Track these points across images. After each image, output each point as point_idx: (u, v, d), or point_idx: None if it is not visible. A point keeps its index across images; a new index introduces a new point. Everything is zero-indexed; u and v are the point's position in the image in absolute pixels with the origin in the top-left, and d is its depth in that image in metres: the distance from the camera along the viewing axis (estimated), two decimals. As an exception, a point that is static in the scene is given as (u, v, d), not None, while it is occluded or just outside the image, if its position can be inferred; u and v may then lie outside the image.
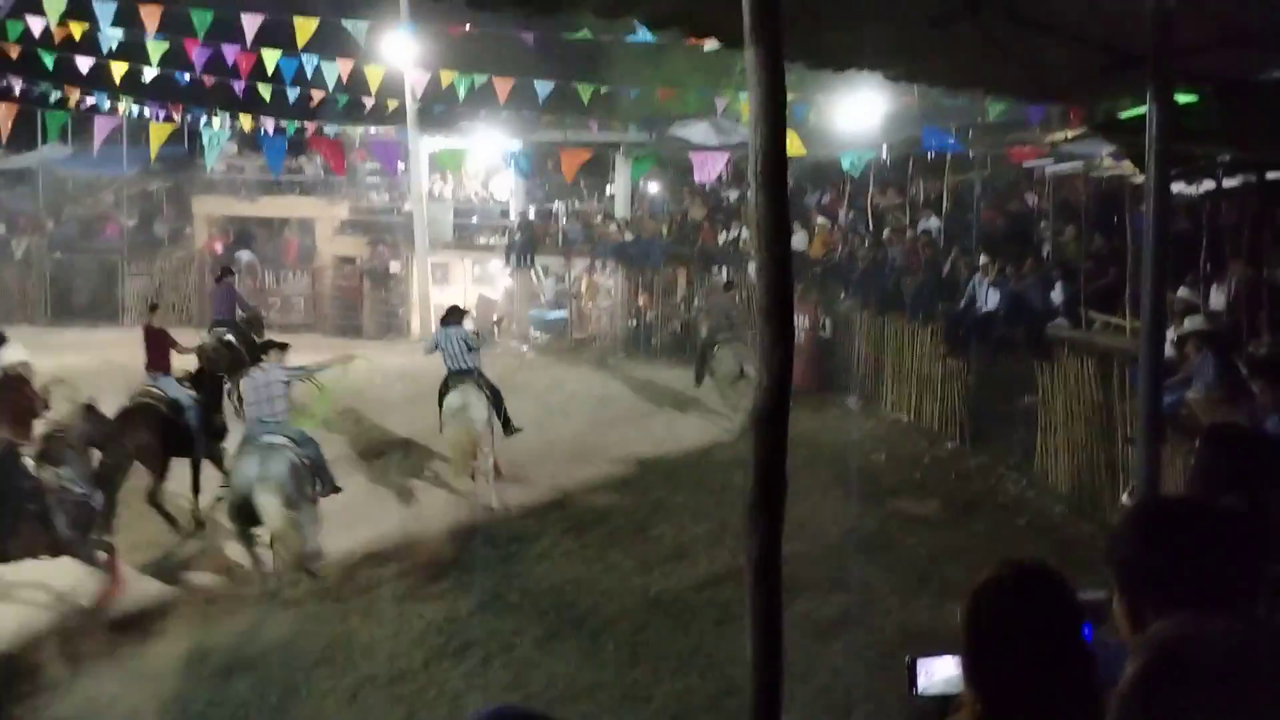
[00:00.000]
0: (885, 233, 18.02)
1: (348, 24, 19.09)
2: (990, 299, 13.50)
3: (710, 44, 8.36)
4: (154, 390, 11.07)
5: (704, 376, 15.32)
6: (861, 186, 19.96)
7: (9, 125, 19.34)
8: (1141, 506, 2.36)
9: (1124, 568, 1.92)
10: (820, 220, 19.99)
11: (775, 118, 3.42)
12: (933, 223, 17.71)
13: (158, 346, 11.80)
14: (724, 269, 21.21)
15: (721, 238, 21.25)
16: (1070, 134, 13.06)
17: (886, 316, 16.13)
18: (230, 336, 14.40)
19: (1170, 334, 9.28)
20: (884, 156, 18.76)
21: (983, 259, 14.22)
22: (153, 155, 18.96)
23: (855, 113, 18.51)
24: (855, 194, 20.30)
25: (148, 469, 10.51)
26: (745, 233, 20.97)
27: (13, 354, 10.50)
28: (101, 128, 19.45)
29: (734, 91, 22.51)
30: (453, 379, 11.73)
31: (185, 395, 11.11)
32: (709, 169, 19.07)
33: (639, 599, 8.69)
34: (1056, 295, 12.61)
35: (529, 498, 11.53)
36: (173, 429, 10.74)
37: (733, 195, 22.81)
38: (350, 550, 9.88)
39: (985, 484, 12.24)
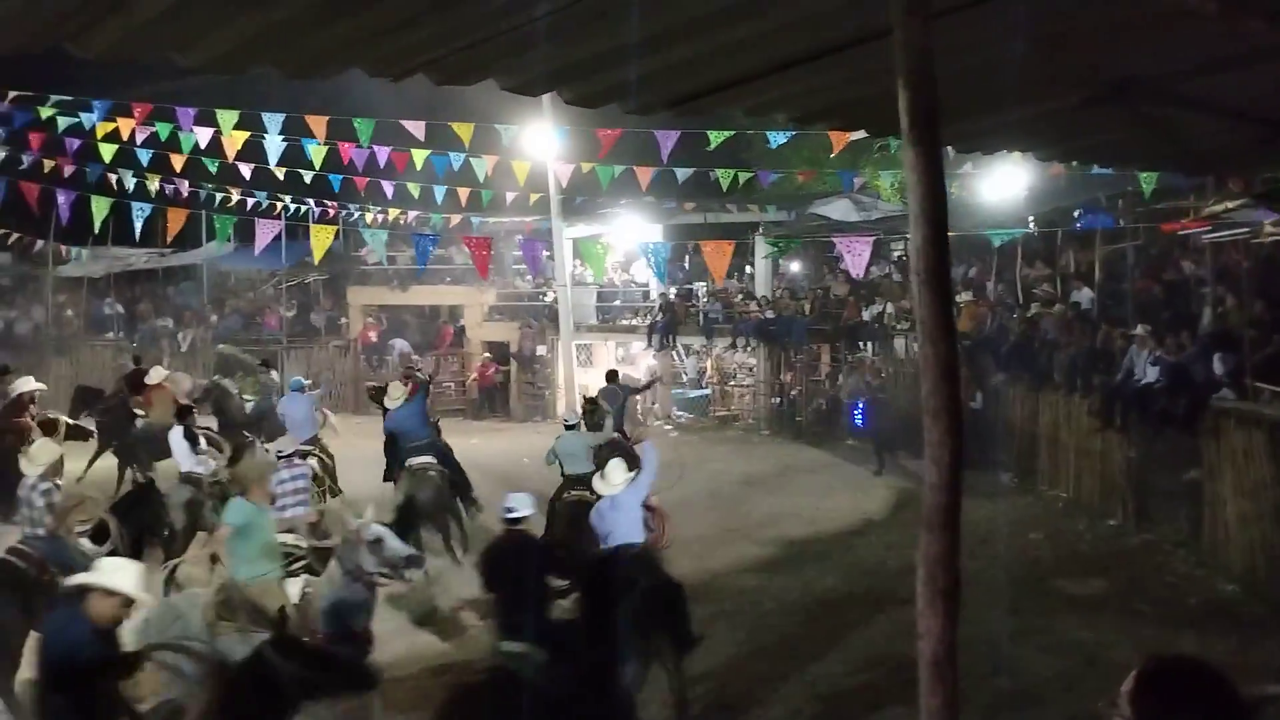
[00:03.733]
0: (1035, 305, 17.63)
1: (499, 127, 20.01)
2: (1149, 371, 13.04)
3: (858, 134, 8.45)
4: None
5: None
6: (1009, 259, 19.61)
7: (178, 227, 20.72)
8: None
9: None
10: (966, 295, 19.69)
11: (936, 216, 3.40)
12: (1085, 294, 17.26)
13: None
14: (869, 345, 21.06)
15: (866, 314, 21.13)
16: (1230, 204, 12.60)
17: (1040, 390, 15.74)
18: None
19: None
20: (1031, 228, 18.44)
21: (1139, 329, 13.75)
22: (317, 257, 19.88)
23: (1000, 185, 18.33)
24: (1002, 267, 19.95)
25: None
26: (889, 308, 20.80)
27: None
28: (264, 230, 20.51)
29: (873, 169, 22.56)
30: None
31: None
32: (859, 258, 17.97)
33: (794, 686, 8.55)
34: (1219, 366, 12.09)
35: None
36: None
37: (875, 271, 22.67)
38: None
39: (1151, 563, 11.78)
